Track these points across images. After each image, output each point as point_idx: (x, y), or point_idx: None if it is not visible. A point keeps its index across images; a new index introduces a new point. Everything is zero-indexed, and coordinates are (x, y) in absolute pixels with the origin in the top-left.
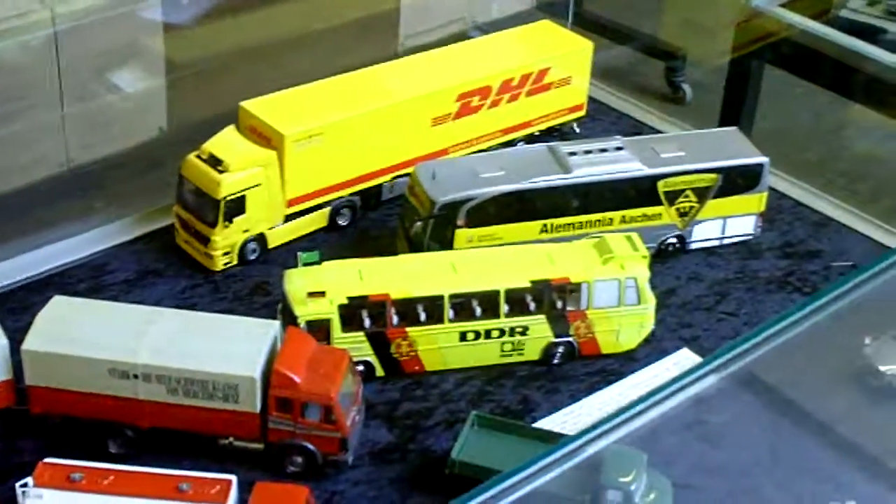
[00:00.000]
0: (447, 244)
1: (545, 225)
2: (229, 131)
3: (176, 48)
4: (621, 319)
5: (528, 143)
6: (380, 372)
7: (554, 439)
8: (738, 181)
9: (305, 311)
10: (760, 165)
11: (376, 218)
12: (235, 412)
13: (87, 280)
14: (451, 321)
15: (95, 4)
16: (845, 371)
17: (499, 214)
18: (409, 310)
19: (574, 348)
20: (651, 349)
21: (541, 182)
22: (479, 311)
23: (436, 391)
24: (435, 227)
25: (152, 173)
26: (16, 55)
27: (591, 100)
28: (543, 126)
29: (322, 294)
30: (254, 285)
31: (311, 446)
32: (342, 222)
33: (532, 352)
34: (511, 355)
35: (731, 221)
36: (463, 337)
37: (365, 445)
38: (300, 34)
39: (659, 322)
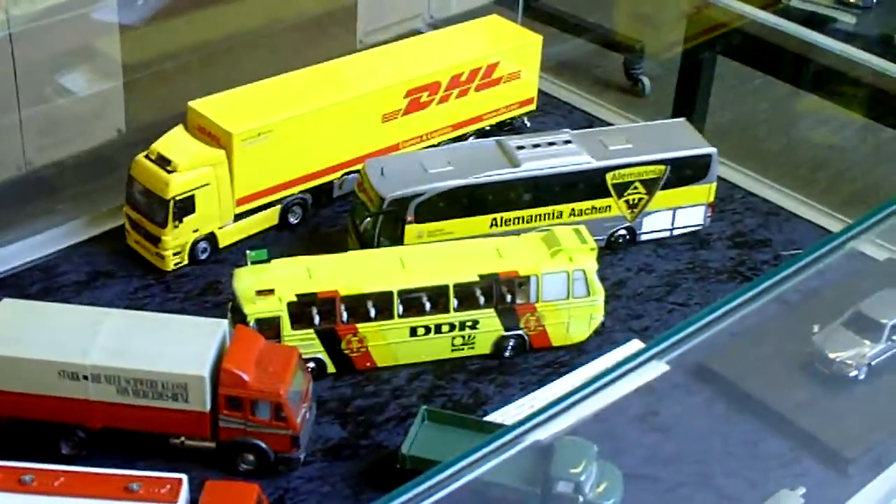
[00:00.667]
0: (397, 240)
1: (495, 219)
2: (178, 131)
3: (132, 49)
4: (571, 312)
5: (478, 137)
6: (331, 369)
7: None
8: (686, 172)
9: (254, 309)
10: (708, 156)
11: (328, 215)
12: (186, 411)
13: (39, 282)
14: (400, 317)
15: (51, 6)
16: (795, 359)
17: (448, 209)
18: (358, 306)
19: (525, 341)
20: (602, 341)
21: (489, 176)
22: (428, 306)
23: (387, 387)
24: (384, 223)
25: (111, 175)
26: None
27: (543, 94)
28: (494, 121)
29: (271, 292)
30: (205, 285)
31: (262, 444)
32: (293, 220)
33: (483, 345)
34: (462, 349)
35: (680, 212)
36: (413, 332)
37: (317, 442)
38: (257, 32)
39: (610, 314)
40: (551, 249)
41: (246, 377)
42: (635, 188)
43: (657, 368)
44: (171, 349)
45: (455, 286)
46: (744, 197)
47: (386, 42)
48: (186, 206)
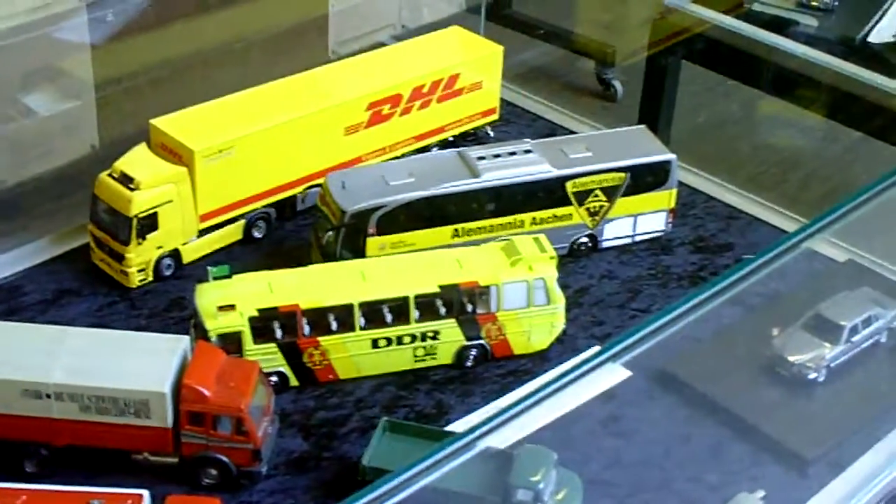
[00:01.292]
0: (359, 252)
1: (456, 230)
2: (140, 149)
3: (104, 65)
4: (532, 320)
5: (442, 148)
6: (294, 382)
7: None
8: (646, 179)
9: (216, 324)
10: (668, 162)
11: (292, 229)
12: (148, 427)
13: (3, 301)
14: (362, 329)
15: (21, 24)
16: (756, 362)
17: (409, 221)
18: (319, 319)
19: (486, 350)
20: (563, 348)
21: (450, 187)
22: (389, 317)
23: (350, 398)
24: (346, 236)
25: (84, 191)
26: None
27: (506, 103)
28: (457, 131)
29: (232, 307)
30: (170, 301)
31: (224, 458)
32: (258, 234)
33: (445, 356)
34: (424, 360)
35: (641, 219)
36: (375, 344)
37: (280, 455)
38: (229, 45)
39: (572, 321)
40: (511, 259)
41: (207, 392)
42: (596, 196)
43: (619, 374)
44: (133, 366)
45: (416, 297)
46: (705, 202)
47: (359, 52)
48: (149, 223)
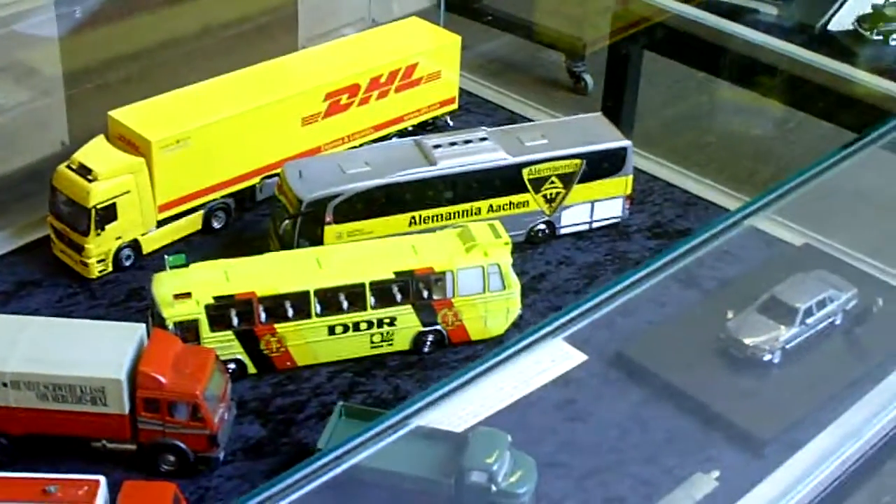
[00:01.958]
0: (317, 241)
1: (413, 217)
2: (99, 141)
3: (73, 61)
4: (487, 305)
5: (401, 138)
6: (252, 369)
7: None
8: (602, 165)
9: (172, 312)
10: (624, 149)
11: (251, 219)
12: (105, 415)
13: None
14: (318, 316)
15: None
16: (711, 345)
17: (366, 209)
18: (276, 306)
19: (443, 336)
20: (520, 334)
21: (406, 175)
22: (346, 304)
23: (308, 385)
24: (304, 225)
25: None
26: None
27: (467, 93)
28: (416, 121)
29: (188, 295)
30: (130, 291)
31: (181, 444)
32: (217, 224)
33: (402, 342)
34: (381, 346)
35: (598, 205)
36: (332, 331)
37: (238, 441)
38: (199, 39)
39: (529, 307)
40: (466, 245)
41: (162, 379)
42: (552, 182)
43: (576, 358)
44: (90, 354)
45: (371, 284)
46: (663, 188)
47: None
48: (108, 213)
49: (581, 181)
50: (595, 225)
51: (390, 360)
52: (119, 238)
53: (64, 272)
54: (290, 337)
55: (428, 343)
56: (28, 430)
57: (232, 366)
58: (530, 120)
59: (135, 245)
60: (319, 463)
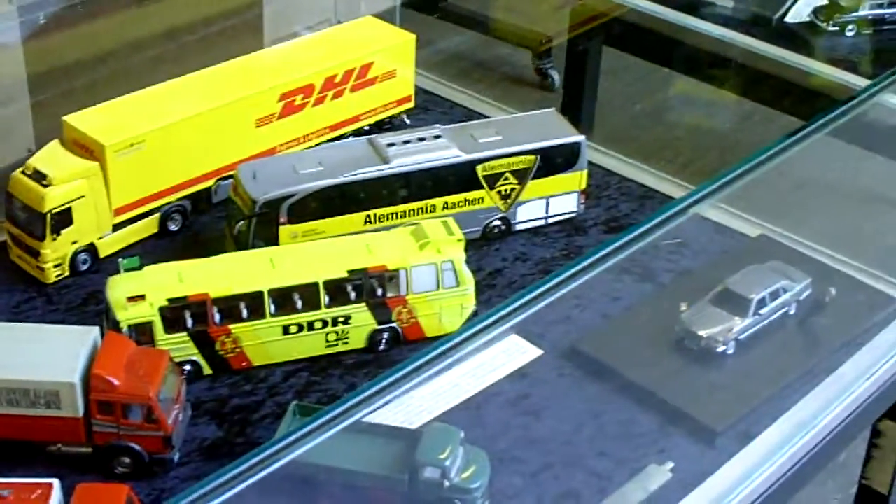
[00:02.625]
0: (272, 241)
1: (368, 216)
2: (53, 146)
3: (38, 67)
4: (441, 302)
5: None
6: (207, 370)
7: (371, 424)
8: (556, 161)
9: (126, 315)
10: (578, 144)
11: (207, 221)
12: (60, 418)
13: None
14: (272, 315)
15: None
16: (665, 338)
17: (321, 209)
18: (229, 307)
19: (399, 334)
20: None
21: (359, 174)
22: (300, 303)
23: (264, 385)
24: (258, 226)
25: None
26: None
27: (424, 92)
28: (372, 120)
29: (142, 298)
30: (87, 295)
31: (136, 446)
32: (173, 227)
33: (357, 340)
34: (336, 345)
35: (553, 201)
36: (286, 330)
37: (193, 442)
38: (161, 42)
39: (484, 303)
40: (419, 242)
41: (115, 382)
42: (506, 179)
43: (530, 353)
44: (43, 358)
45: (325, 283)
46: (619, 182)
47: None
48: (63, 218)
49: (535, 177)
50: (551, 220)
51: (346, 358)
52: (75, 242)
53: (21, 277)
54: (244, 337)
55: (383, 341)
56: None
57: (187, 367)
58: (487, 117)
59: (91, 249)
60: (261, 457)
